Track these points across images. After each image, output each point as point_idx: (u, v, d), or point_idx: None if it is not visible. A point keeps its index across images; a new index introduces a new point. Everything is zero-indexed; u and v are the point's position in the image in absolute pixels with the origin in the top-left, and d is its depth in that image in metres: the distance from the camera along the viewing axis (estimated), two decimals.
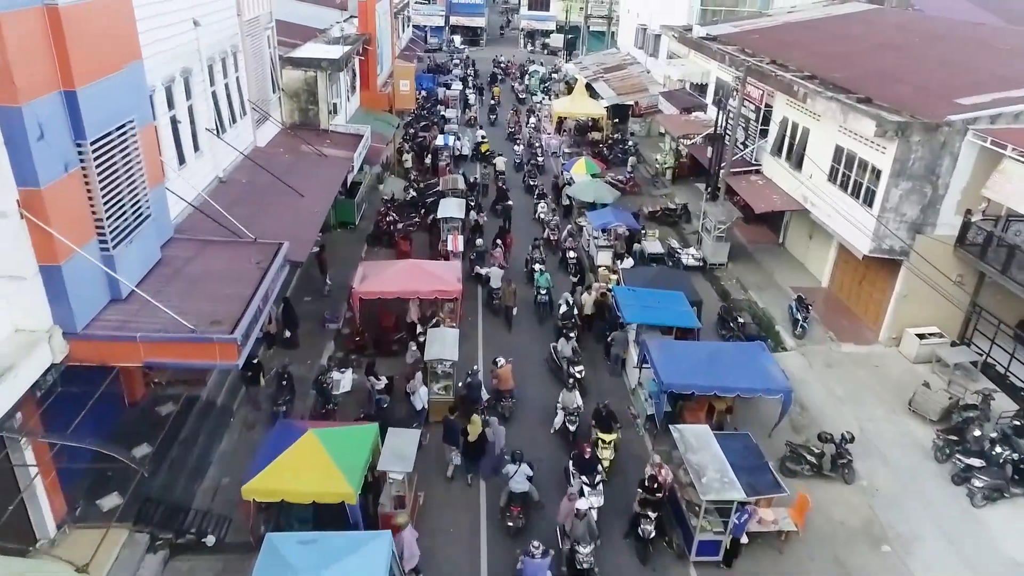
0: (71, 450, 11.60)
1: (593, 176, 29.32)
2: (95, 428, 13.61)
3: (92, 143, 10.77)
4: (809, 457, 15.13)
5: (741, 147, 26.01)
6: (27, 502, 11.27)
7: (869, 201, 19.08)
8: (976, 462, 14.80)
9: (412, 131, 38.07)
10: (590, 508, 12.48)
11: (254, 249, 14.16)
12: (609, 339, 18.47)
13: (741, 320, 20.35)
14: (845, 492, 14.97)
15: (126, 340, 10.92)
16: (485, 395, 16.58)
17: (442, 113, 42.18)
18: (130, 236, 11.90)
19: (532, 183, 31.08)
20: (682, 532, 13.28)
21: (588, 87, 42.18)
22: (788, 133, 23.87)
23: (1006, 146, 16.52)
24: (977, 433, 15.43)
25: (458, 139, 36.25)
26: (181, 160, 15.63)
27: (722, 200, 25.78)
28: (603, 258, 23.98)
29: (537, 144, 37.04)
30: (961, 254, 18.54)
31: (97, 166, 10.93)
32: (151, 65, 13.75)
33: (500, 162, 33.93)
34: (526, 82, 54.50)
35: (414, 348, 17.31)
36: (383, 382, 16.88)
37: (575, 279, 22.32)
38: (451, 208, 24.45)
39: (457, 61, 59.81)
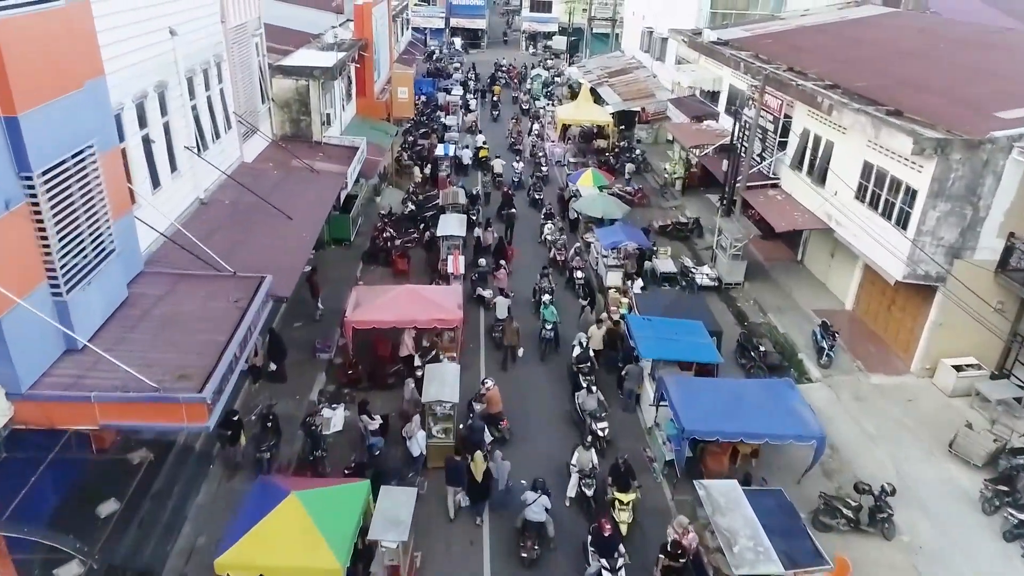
0: (22, 509, 10.25)
1: (601, 189, 27.92)
2: (56, 483, 12.25)
3: (41, 174, 9.39)
4: (845, 511, 13.73)
5: (757, 159, 24.61)
6: None
7: (903, 223, 17.69)
8: None
9: (411, 138, 36.69)
10: None
11: (233, 284, 12.78)
12: (623, 373, 17.06)
13: (762, 348, 18.98)
14: (886, 550, 13.57)
15: (79, 401, 9.53)
16: (489, 437, 15.21)
17: (442, 120, 40.77)
18: (88, 277, 10.51)
19: (538, 196, 29.55)
20: None
21: (592, 92, 40.80)
22: (810, 146, 22.47)
23: None
24: None
25: (461, 148, 34.95)
26: (155, 183, 14.25)
27: (737, 216, 24.41)
28: (613, 279, 22.59)
29: (540, 154, 35.60)
30: (1003, 280, 17.15)
31: (48, 200, 9.56)
32: (118, 81, 12.39)
33: (498, 164, 33.71)
34: (528, 86, 53.13)
35: (411, 385, 15.92)
36: (377, 422, 15.53)
37: (584, 302, 20.90)
38: (451, 225, 23.06)
39: (457, 64, 58.37)
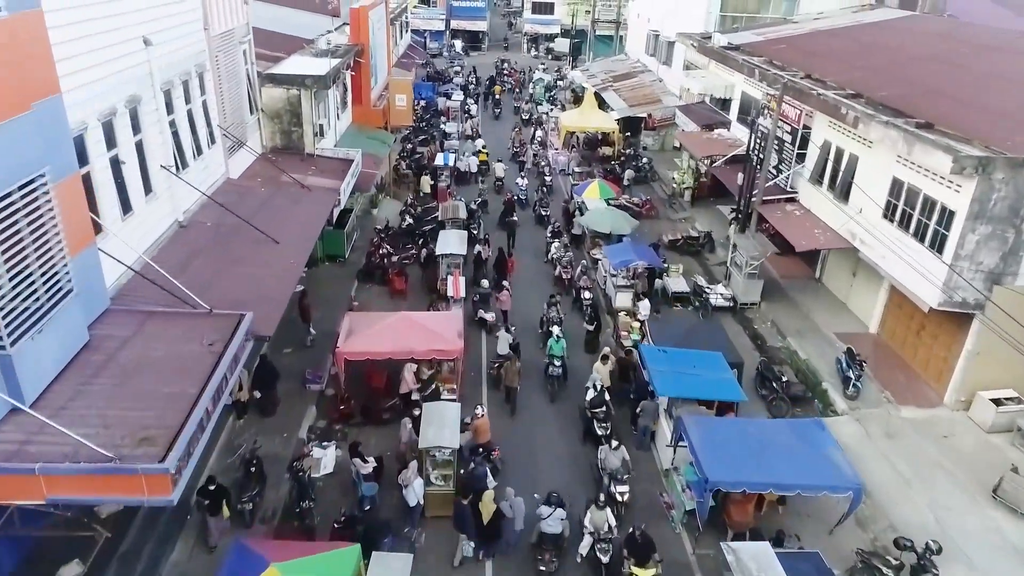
0: None
1: (608, 202, 26.64)
2: (10, 547, 11.03)
3: None
4: (885, 570, 12.44)
5: (773, 172, 23.33)
6: None
7: (938, 246, 16.41)
8: None
9: (410, 146, 35.41)
10: None
11: (209, 323, 11.53)
12: (637, 410, 15.77)
13: (784, 378, 17.72)
14: None
15: (22, 473, 8.28)
16: (492, 483, 13.93)
17: (442, 126, 39.48)
18: (40, 324, 9.26)
19: (544, 213, 27.83)
20: None
21: (596, 97, 39.52)
22: (831, 159, 21.20)
23: None
24: None
25: (465, 156, 33.74)
26: (126, 208, 12.98)
27: (752, 232, 23.15)
28: (622, 300, 21.32)
29: (544, 163, 34.31)
30: None
31: None
32: (80, 98, 11.16)
33: (499, 168, 33.05)
34: (530, 90, 51.85)
35: (408, 426, 14.64)
36: (370, 465, 14.26)
37: (590, 327, 19.60)
38: (451, 242, 21.77)
39: (458, 68, 57.05)
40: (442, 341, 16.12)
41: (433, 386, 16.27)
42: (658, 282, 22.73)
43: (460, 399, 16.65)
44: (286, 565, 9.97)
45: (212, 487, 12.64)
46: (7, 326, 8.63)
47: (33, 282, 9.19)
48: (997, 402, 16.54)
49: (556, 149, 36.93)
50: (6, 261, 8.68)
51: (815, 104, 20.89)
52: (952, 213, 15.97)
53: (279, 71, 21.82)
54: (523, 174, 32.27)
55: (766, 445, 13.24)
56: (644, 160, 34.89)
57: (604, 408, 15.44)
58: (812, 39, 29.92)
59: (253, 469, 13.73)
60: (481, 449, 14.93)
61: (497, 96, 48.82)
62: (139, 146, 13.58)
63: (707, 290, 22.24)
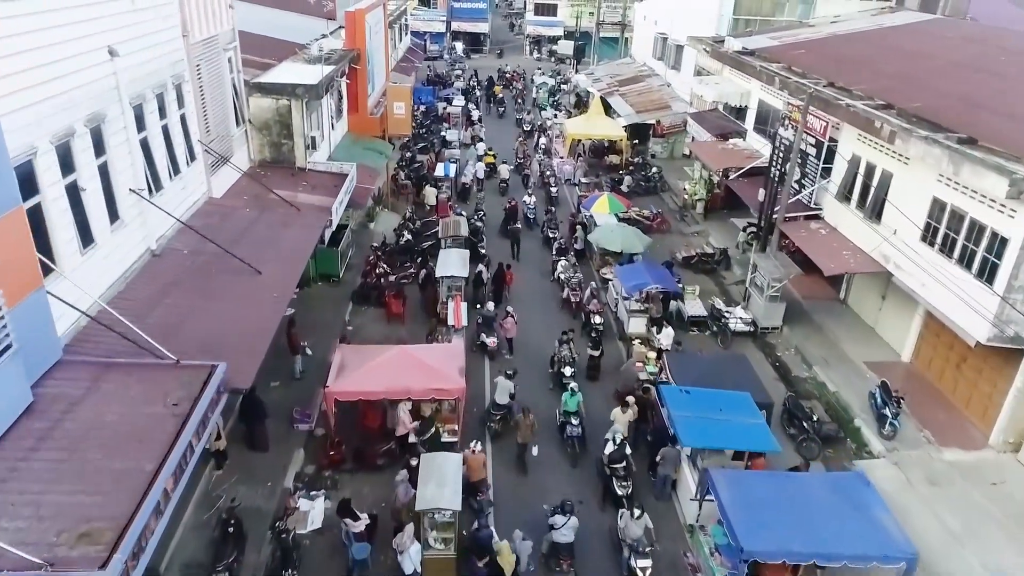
0: None
1: (618, 216, 25.18)
2: None
3: None
4: None
5: (796, 187, 21.85)
6: None
7: (988, 276, 14.94)
8: None
9: (409, 154, 33.92)
10: None
11: (175, 376, 10.07)
12: (657, 458, 14.29)
13: (815, 417, 16.25)
14: None
15: None
16: (497, 539, 12.46)
17: (442, 133, 37.99)
18: None
19: (552, 235, 25.83)
20: None
21: (602, 102, 38.04)
22: (860, 175, 19.71)
23: None
24: None
25: (470, 163, 32.38)
26: (86, 240, 11.52)
27: (774, 251, 21.67)
28: (636, 326, 19.86)
29: (549, 172, 32.82)
30: None
31: None
32: (25, 120, 9.74)
33: (504, 170, 32.25)
34: (533, 96, 50.43)
35: (405, 478, 13.16)
36: (362, 523, 12.82)
37: (595, 352, 18.18)
38: (452, 264, 20.30)
39: (459, 72, 55.55)
40: (442, 379, 14.65)
41: (433, 429, 14.79)
42: (673, 304, 21.29)
43: (461, 439, 15.26)
44: None
45: None
46: None
47: None
48: None
49: (561, 158, 35.44)
50: None
51: (844, 116, 19.41)
52: (1005, 240, 14.49)
53: (268, 80, 20.35)
54: (530, 190, 30.01)
55: (806, 506, 11.78)
56: (653, 170, 33.42)
57: (624, 463, 13.82)
58: (832, 44, 28.44)
59: (231, 530, 12.30)
60: (479, 495, 13.59)
61: (499, 95, 48.76)
62: (103, 169, 12.11)
63: (726, 314, 20.76)
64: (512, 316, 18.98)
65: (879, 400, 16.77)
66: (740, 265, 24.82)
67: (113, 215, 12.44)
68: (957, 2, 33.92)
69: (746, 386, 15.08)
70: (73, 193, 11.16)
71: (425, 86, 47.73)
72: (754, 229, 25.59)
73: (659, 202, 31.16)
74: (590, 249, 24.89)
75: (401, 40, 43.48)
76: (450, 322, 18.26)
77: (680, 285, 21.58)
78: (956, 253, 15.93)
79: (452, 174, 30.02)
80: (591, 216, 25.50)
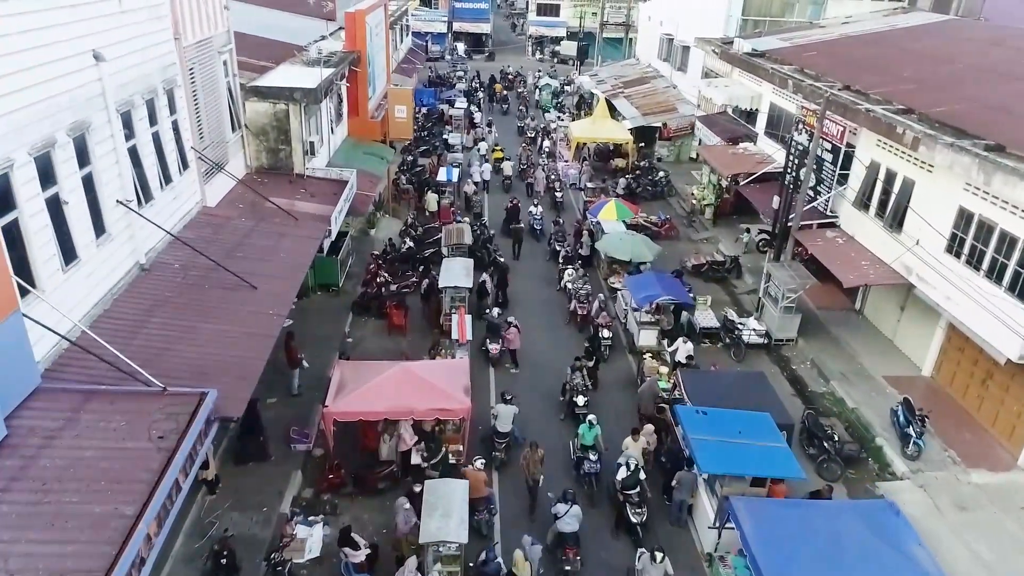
0: None
1: (626, 223, 24.47)
2: None
3: None
4: None
5: (811, 194, 21.13)
6: None
7: (1020, 290, 14.23)
8: None
9: (410, 158, 33.22)
10: None
11: (161, 406, 9.36)
12: (673, 482, 13.57)
13: (836, 436, 15.53)
14: None
15: None
16: (504, 568, 11.80)
17: (445, 136, 37.28)
18: None
19: (559, 248, 24.48)
20: None
21: (607, 104, 37.33)
22: (880, 182, 19.01)
23: None
24: None
25: (477, 165, 31.82)
26: (69, 257, 10.81)
27: (787, 260, 20.97)
28: (646, 339, 19.16)
29: (553, 176, 32.10)
30: None
31: None
32: (1, 131, 9.01)
33: (507, 166, 32.31)
34: (536, 96, 49.77)
35: (406, 506, 12.45)
36: (363, 552, 12.16)
37: (589, 363, 17.43)
38: (456, 274, 19.58)
39: (461, 73, 54.83)
40: (446, 399, 13.96)
41: (441, 454, 14.11)
42: (683, 315, 20.57)
43: (466, 461, 14.54)
44: None
45: None
46: None
47: None
48: None
49: (566, 161, 34.73)
50: None
51: (863, 121, 18.69)
52: None
53: (265, 83, 19.64)
54: (536, 201, 28.66)
55: (835, 539, 11.04)
56: (660, 174, 32.71)
57: (638, 490, 13.03)
58: (845, 45, 27.70)
59: (224, 561, 11.62)
60: (476, 514, 12.88)
61: (503, 93, 49.41)
62: (88, 180, 11.39)
63: (739, 325, 20.04)
64: (515, 326, 18.26)
65: (902, 418, 16.07)
66: (752, 273, 24.12)
67: (99, 228, 11.72)
68: (971, 2, 33.15)
69: (765, 405, 14.38)
70: (54, 207, 10.45)
71: (426, 88, 47.06)
72: (766, 236, 24.93)
73: (666, 207, 30.48)
74: (597, 256, 24.21)
75: (402, 41, 42.81)
76: (454, 336, 17.52)
77: (691, 295, 20.87)
78: (985, 266, 15.21)
79: (455, 178, 29.28)
80: (598, 223, 24.77)
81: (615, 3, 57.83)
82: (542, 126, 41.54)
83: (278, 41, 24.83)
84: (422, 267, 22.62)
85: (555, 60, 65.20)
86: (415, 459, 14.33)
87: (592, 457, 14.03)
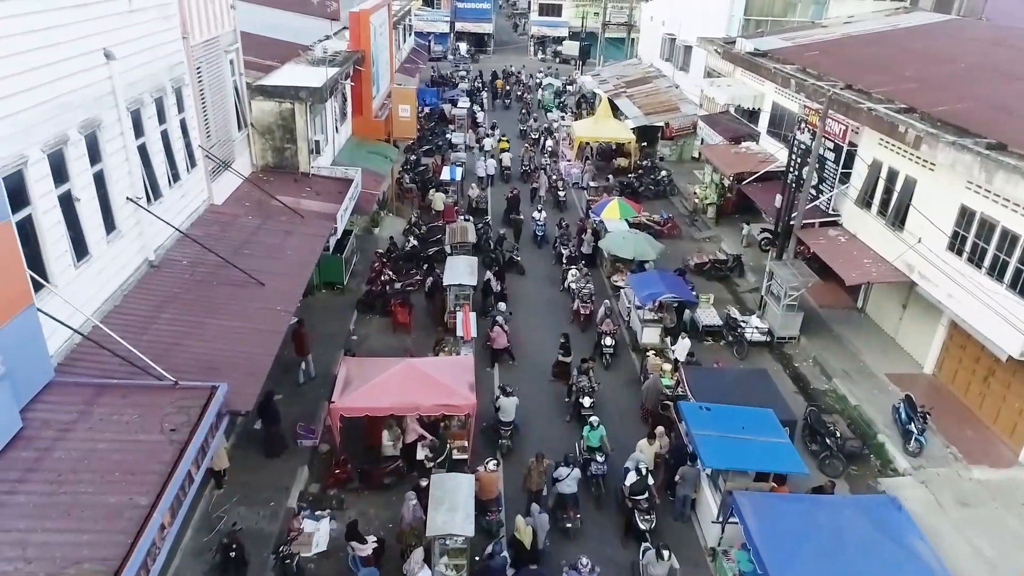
0: None
1: (628, 222, 24.57)
2: None
3: None
4: None
5: (813, 192, 21.24)
6: None
7: (1021, 287, 14.33)
8: None
9: (414, 157, 33.36)
10: None
11: (173, 399, 9.49)
12: (676, 477, 13.69)
13: (838, 433, 15.63)
14: None
15: None
16: (510, 572, 11.92)
17: (448, 136, 37.39)
18: None
19: (564, 251, 24.19)
20: None
21: (610, 104, 37.43)
22: (882, 180, 19.12)
23: None
24: None
25: (481, 159, 32.19)
26: (81, 253, 10.96)
27: (790, 258, 21.07)
28: (649, 336, 19.26)
29: (555, 176, 32.20)
30: None
31: None
32: (13, 128, 9.17)
33: (506, 157, 33.28)
34: (538, 96, 49.85)
35: (412, 502, 12.57)
36: (369, 546, 12.26)
37: (566, 359, 17.63)
38: (460, 272, 19.71)
39: (463, 73, 54.92)
40: (452, 395, 14.06)
41: (446, 451, 14.22)
42: (686, 313, 20.69)
43: (472, 457, 14.69)
44: None
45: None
46: None
47: None
48: None
49: (568, 161, 34.85)
50: None
51: (865, 120, 18.79)
52: None
53: (270, 82, 19.78)
54: (540, 207, 27.84)
55: (838, 534, 11.13)
56: (663, 173, 32.81)
57: (647, 495, 12.92)
58: (847, 45, 27.80)
59: (232, 554, 11.74)
60: (488, 515, 13.07)
61: (505, 89, 50.51)
62: (99, 178, 11.54)
63: (741, 323, 20.15)
64: (500, 324, 18.33)
65: (903, 415, 16.18)
66: (754, 272, 24.22)
67: (109, 225, 11.87)
68: (973, 2, 33.24)
69: (768, 402, 14.49)
70: (67, 203, 10.59)
71: (429, 87, 47.20)
72: (768, 235, 25.04)
73: (669, 206, 30.57)
74: (600, 255, 24.31)
75: (405, 41, 42.95)
76: (459, 333, 17.64)
77: (694, 293, 20.96)
78: (986, 263, 15.32)
79: (458, 177, 29.38)
80: (601, 222, 24.88)
81: (617, 3, 57.91)
82: (545, 126, 41.63)
83: (283, 41, 24.97)
84: (426, 265, 22.74)
85: (557, 60, 65.29)
86: (420, 454, 14.46)
87: (599, 459, 13.99)
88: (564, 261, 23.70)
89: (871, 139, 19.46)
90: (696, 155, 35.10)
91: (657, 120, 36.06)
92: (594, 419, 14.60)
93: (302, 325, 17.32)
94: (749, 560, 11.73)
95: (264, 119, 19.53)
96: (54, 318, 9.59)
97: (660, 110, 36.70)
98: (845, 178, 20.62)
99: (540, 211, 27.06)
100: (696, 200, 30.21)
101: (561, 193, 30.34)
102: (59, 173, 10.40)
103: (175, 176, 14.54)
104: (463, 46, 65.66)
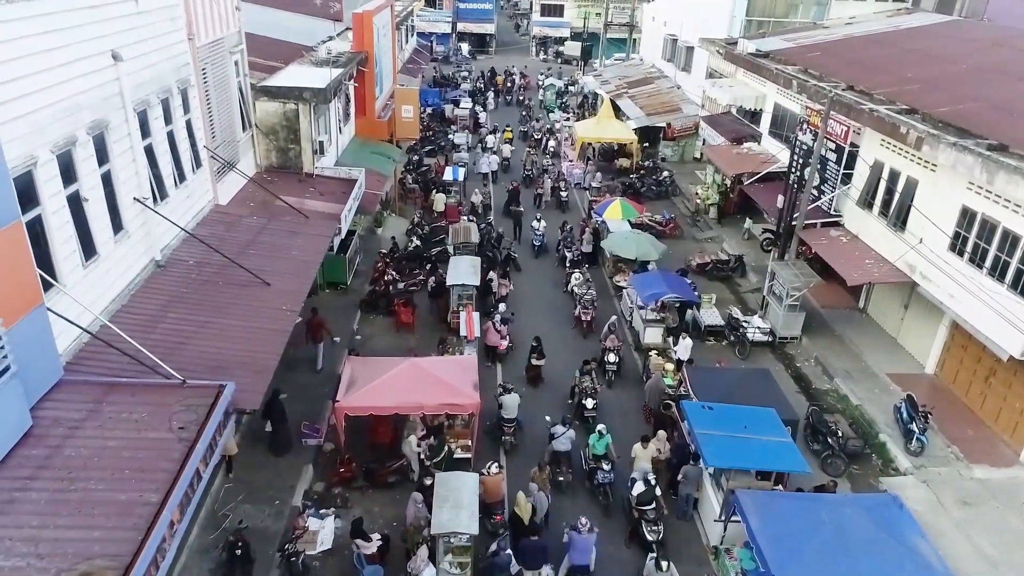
0: None
1: (631, 223, 24.65)
2: None
3: None
4: None
5: (815, 193, 21.31)
6: None
7: (1021, 287, 14.40)
8: None
9: (416, 158, 33.45)
10: None
11: (181, 398, 9.58)
12: (679, 476, 13.78)
13: (840, 432, 15.71)
14: None
15: None
16: (515, 568, 12.00)
17: (450, 137, 37.49)
18: None
19: (568, 255, 24.03)
20: None
21: (611, 104, 37.49)
22: (883, 181, 19.19)
23: None
24: None
25: (485, 157, 32.52)
26: (89, 252, 11.05)
27: (792, 258, 21.15)
28: (652, 336, 19.35)
29: (558, 178, 32.25)
30: None
31: None
32: (24, 129, 9.29)
33: (506, 149, 34.24)
34: (540, 96, 49.91)
35: (418, 502, 12.65)
36: (374, 544, 12.36)
37: (539, 363, 17.62)
38: (463, 271, 19.79)
39: (465, 73, 54.97)
40: (456, 394, 14.15)
41: (444, 451, 14.29)
42: (688, 313, 20.78)
43: (475, 456, 14.80)
44: None
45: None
46: None
47: None
48: None
49: (571, 161, 34.93)
50: None
51: (867, 121, 18.87)
52: None
53: (275, 83, 19.87)
54: (539, 215, 26.78)
55: (839, 533, 11.22)
56: (665, 174, 32.88)
57: (654, 505, 12.86)
58: (848, 46, 27.86)
59: (238, 552, 11.82)
60: (493, 517, 13.12)
61: (507, 85, 51.57)
62: (106, 178, 11.63)
63: (743, 323, 20.22)
64: (493, 324, 18.38)
65: (905, 415, 16.26)
66: (756, 272, 24.30)
67: (116, 225, 11.96)
68: (974, 3, 33.29)
69: (770, 402, 14.57)
70: (75, 203, 10.69)
71: (431, 88, 47.29)
72: (770, 235, 25.12)
73: (671, 207, 30.63)
74: (602, 255, 24.37)
75: (407, 41, 43.04)
76: (462, 333, 17.73)
77: (696, 293, 21.03)
78: (988, 264, 15.39)
79: (461, 177, 29.46)
80: (603, 222, 24.96)
81: (619, 3, 57.96)
82: (547, 127, 41.70)
83: (287, 42, 25.07)
84: (429, 265, 22.83)
85: (559, 60, 65.34)
86: (421, 454, 14.53)
87: (605, 467, 13.84)
88: (567, 264, 23.66)
89: (873, 140, 19.53)
90: (698, 156, 35.18)
91: (659, 121, 36.12)
92: (601, 427, 14.48)
93: (315, 313, 17.91)
94: (751, 558, 11.83)
95: (268, 120, 19.62)
96: (63, 317, 9.69)
97: (662, 111, 36.76)
98: (847, 179, 20.70)
99: (540, 220, 26.06)
100: (698, 200, 30.30)
101: (564, 194, 30.41)
102: (68, 174, 10.49)
103: (181, 176, 14.63)
104: (465, 46, 65.71)
